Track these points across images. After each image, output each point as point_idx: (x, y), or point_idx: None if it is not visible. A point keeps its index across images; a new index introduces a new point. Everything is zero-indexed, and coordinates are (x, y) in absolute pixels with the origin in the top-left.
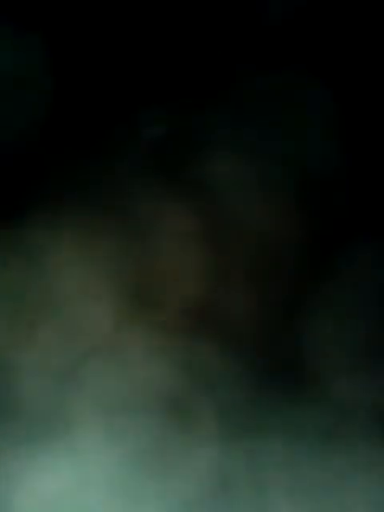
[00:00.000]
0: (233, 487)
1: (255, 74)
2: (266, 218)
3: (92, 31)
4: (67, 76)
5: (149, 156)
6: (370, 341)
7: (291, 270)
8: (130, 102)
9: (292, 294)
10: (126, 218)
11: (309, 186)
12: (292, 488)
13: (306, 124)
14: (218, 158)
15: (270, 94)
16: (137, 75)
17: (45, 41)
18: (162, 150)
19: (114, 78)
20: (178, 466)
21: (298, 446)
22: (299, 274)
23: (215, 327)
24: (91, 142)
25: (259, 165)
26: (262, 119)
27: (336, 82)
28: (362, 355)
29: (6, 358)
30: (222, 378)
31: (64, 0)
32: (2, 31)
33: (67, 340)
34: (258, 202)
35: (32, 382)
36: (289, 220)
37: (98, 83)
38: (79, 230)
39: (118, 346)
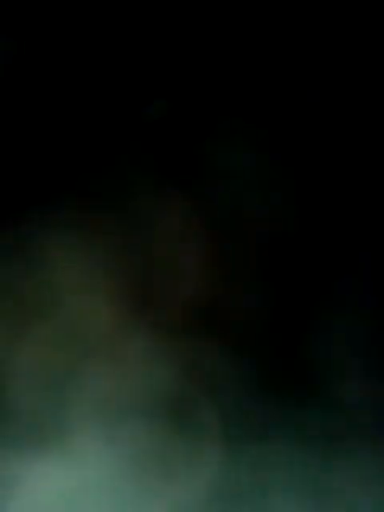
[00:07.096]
0: (236, 493)
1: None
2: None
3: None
4: (66, 69)
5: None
6: (377, 342)
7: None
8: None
9: (299, 294)
10: (127, 215)
11: None
12: (297, 493)
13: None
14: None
15: None
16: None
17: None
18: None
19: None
20: (180, 472)
21: (304, 449)
22: (305, 275)
23: (218, 327)
24: (92, 139)
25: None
26: None
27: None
28: (369, 357)
29: (1, 360)
30: (225, 380)
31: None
32: None
33: (66, 341)
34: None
35: (29, 384)
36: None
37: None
38: (77, 227)
39: (118, 347)
